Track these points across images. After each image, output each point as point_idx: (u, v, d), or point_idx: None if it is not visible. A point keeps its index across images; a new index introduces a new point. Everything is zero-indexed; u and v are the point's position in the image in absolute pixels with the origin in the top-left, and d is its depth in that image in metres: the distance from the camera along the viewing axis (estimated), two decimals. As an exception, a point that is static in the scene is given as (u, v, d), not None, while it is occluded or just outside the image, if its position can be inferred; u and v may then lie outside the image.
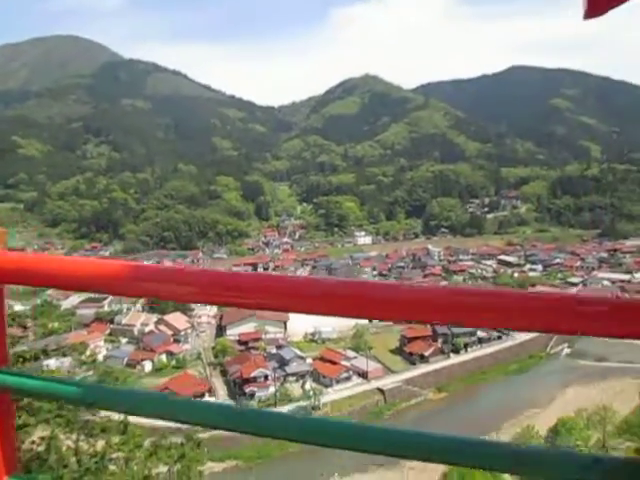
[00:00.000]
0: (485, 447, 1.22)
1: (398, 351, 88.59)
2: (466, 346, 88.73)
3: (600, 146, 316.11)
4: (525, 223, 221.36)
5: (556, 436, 53.96)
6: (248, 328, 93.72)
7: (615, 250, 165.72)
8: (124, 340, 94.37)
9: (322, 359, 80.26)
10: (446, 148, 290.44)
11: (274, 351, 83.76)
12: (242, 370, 73.31)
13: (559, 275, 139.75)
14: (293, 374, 76.22)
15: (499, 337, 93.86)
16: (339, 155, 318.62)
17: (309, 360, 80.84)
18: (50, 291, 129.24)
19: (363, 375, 77.80)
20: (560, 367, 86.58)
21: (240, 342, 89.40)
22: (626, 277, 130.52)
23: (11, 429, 1.80)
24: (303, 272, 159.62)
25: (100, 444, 12.38)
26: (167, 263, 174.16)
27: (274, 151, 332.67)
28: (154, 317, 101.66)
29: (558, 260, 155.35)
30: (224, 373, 78.97)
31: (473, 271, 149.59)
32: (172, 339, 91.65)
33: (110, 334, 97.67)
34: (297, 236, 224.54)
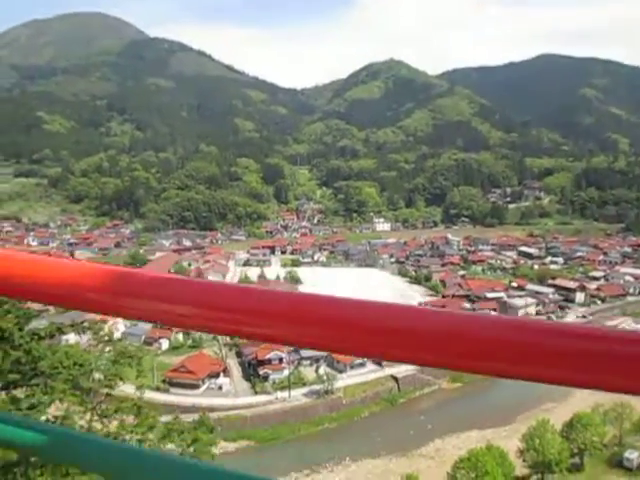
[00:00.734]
0: None
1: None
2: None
3: (629, 139, 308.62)
4: (548, 215, 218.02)
5: (571, 431, 53.37)
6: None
7: (639, 245, 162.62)
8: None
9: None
10: (469, 136, 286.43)
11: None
12: (257, 352, 73.75)
13: (580, 269, 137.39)
14: (307, 358, 76.39)
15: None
16: (360, 140, 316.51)
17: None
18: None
19: (377, 362, 77.78)
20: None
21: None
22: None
23: None
24: (321, 256, 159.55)
25: (114, 424, 12.37)
26: (186, 243, 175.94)
27: (295, 134, 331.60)
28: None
29: (580, 253, 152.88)
30: (239, 354, 79.58)
31: (492, 262, 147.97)
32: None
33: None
34: (315, 220, 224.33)
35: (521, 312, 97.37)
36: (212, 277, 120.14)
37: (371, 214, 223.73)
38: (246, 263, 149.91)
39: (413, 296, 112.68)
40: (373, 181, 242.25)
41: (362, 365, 76.81)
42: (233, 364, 77.27)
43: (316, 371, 73.55)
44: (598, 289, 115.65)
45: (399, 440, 59.79)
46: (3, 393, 11.79)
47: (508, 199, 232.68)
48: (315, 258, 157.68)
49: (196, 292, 1.20)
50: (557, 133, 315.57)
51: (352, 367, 75.65)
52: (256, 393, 68.35)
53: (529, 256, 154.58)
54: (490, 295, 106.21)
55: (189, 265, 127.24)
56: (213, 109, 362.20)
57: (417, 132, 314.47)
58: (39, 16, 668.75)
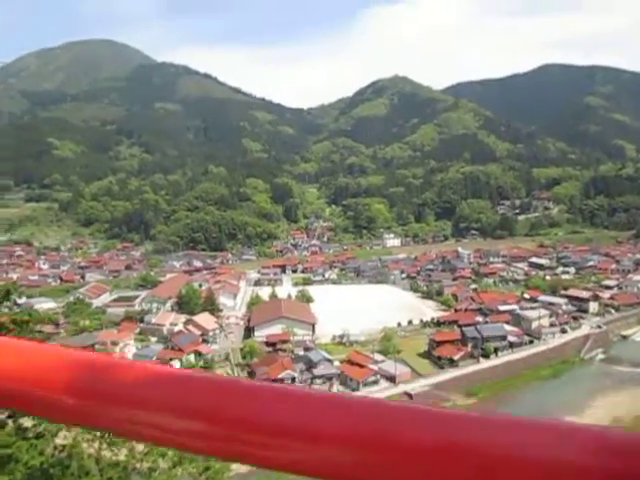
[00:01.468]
0: None
1: (427, 355, 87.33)
2: (496, 350, 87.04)
3: (635, 145, 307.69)
4: (557, 225, 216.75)
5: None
6: (276, 329, 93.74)
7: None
8: (153, 339, 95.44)
9: (350, 362, 79.67)
10: (476, 149, 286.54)
11: (302, 353, 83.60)
12: (269, 372, 73.36)
13: (593, 278, 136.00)
14: (320, 377, 75.91)
15: (531, 342, 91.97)
16: (368, 157, 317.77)
17: (337, 363, 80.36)
18: (82, 289, 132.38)
19: (391, 379, 76.99)
20: (595, 372, 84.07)
21: (268, 344, 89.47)
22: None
23: None
24: (332, 274, 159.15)
25: (123, 452, 12.28)
26: (197, 264, 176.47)
27: (303, 153, 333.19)
28: (183, 317, 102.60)
29: (592, 262, 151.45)
30: (252, 374, 79.05)
31: (504, 274, 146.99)
32: (201, 339, 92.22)
33: (140, 333, 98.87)
34: (325, 238, 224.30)
35: (534, 324, 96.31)
36: (224, 298, 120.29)
37: (381, 230, 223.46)
38: (257, 283, 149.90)
39: (426, 311, 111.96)
40: (382, 197, 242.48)
41: (376, 382, 76.18)
42: (246, 385, 76.85)
43: (329, 389, 72.90)
44: (612, 298, 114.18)
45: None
46: (10, 421, 11.77)
47: (517, 210, 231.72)
48: (326, 276, 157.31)
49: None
50: (563, 142, 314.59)
51: (365, 385, 75.00)
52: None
53: (540, 267, 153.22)
54: (503, 308, 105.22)
55: (200, 286, 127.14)
56: (221, 131, 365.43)
57: (424, 147, 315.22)
58: (48, 44, 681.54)
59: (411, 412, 0.96)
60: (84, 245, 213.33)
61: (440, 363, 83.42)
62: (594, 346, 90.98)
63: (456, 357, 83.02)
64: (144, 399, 0.96)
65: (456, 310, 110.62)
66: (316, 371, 76.50)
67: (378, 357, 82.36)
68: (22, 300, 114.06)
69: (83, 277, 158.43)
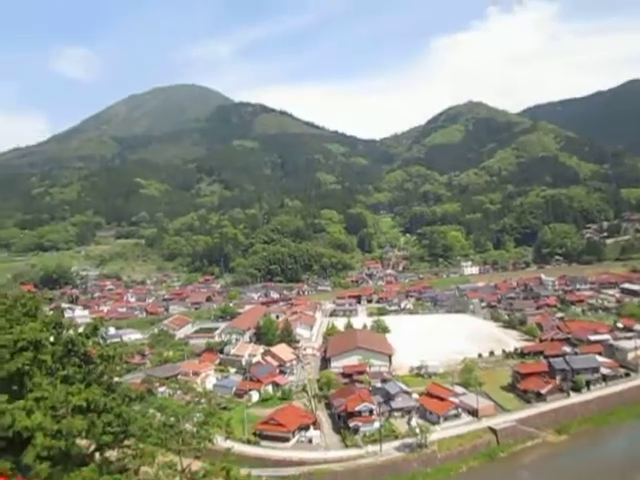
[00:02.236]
0: None
1: (511, 388, 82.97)
2: (588, 384, 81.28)
3: None
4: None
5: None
6: (352, 361, 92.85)
7: None
8: (232, 370, 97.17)
9: (429, 394, 77.14)
10: (557, 171, 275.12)
11: (379, 385, 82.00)
12: (347, 403, 72.38)
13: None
14: (398, 409, 73.96)
15: (627, 374, 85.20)
16: (443, 184, 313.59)
17: (415, 395, 78.05)
18: (166, 320, 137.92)
19: (473, 413, 73.64)
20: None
21: (344, 375, 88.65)
22: None
23: None
24: (408, 304, 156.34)
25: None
26: (274, 295, 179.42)
27: (376, 183, 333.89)
28: (261, 348, 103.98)
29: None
30: (329, 406, 78.44)
31: (593, 301, 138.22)
32: (278, 370, 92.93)
33: (220, 364, 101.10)
34: (401, 267, 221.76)
35: (630, 355, 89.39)
36: (300, 328, 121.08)
37: (458, 258, 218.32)
38: (333, 313, 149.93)
39: (508, 342, 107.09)
40: (458, 224, 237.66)
41: (457, 416, 73.10)
42: (323, 416, 76.12)
43: (408, 423, 70.66)
44: None
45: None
46: (97, 454, 12.31)
47: (605, 234, 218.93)
48: (402, 306, 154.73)
49: None
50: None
51: (446, 418, 72.15)
52: (346, 446, 66.54)
53: (634, 293, 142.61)
54: (593, 338, 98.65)
55: (277, 317, 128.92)
56: (296, 165, 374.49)
57: (501, 172, 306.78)
58: (136, 91, 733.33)
59: None
60: (168, 278, 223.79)
61: (526, 397, 78.98)
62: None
63: (543, 391, 78.26)
64: None
65: (541, 340, 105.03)
66: (394, 404, 74.65)
67: (459, 389, 79.30)
68: (112, 331, 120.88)
69: (167, 309, 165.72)
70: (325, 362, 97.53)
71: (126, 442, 19.39)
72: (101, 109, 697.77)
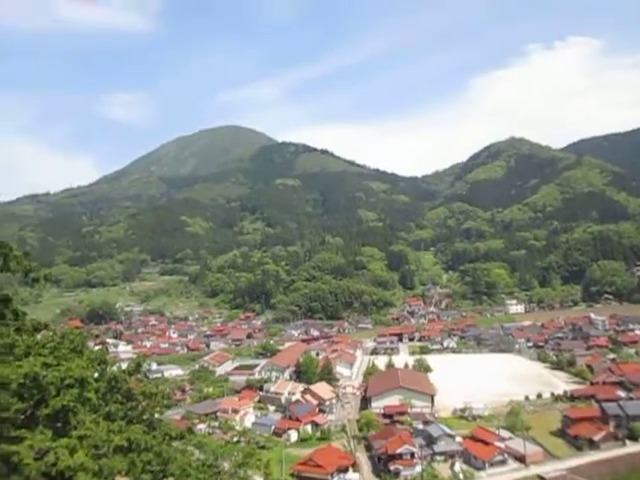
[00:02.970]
0: None
1: (561, 433, 79.22)
2: (645, 432, 76.77)
3: None
4: None
5: None
6: (393, 400, 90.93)
7: None
8: (272, 408, 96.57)
9: (473, 438, 74.47)
10: (605, 207, 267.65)
11: (421, 427, 79.85)
12: (387, 445, 70.56)
13: None
14: (441, 453, 71.53)
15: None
16: (485, 221, 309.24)
17: (459, 439, 75.40)
18: (207, 357, 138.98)
19: (520, 459, 70.44)
20: None
21: (385, 415, 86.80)
22: None
23: None
24: (451, 342, 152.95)
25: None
26: (314, 332, 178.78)
27: (418, 220, 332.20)
28: (300, 386, 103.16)
29: None
30: (369, 447, 76.65)
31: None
32: (317, 409, 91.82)
33: (259, 401, 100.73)
34: (443, 305, 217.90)
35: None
36: (340, 367, 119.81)
37: (502, 296, 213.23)
38: (374, 351, 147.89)
39: (556, 384, 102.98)
40: (502, 261, 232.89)
41: (503, 462, 70.10)
42: (363, 458, 74.36)
43: (451, 468, 68.28)
44: None
45: None
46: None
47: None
48: (445, 344, 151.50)
49: None
50: None
51: (492, 464, 69.24)
52: (387, 490, 64.71)
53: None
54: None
55: (317, 355, 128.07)
56: (337, 202, 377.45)
57: (546, 208, 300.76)
58: (184, 133, 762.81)
59: None
60: (210, 315, 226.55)
61: (577, 443, 75.13)
62: None
63: (596, 438, 74.23)
64: None
65: (592, 383, 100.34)
66: (436, 447, 72.30)
67: (505, 434, 76.23)
68: (154, 367, 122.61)
69: (208, 345, 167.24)
70: (365, 402, 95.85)
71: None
72: (150, 150, 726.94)
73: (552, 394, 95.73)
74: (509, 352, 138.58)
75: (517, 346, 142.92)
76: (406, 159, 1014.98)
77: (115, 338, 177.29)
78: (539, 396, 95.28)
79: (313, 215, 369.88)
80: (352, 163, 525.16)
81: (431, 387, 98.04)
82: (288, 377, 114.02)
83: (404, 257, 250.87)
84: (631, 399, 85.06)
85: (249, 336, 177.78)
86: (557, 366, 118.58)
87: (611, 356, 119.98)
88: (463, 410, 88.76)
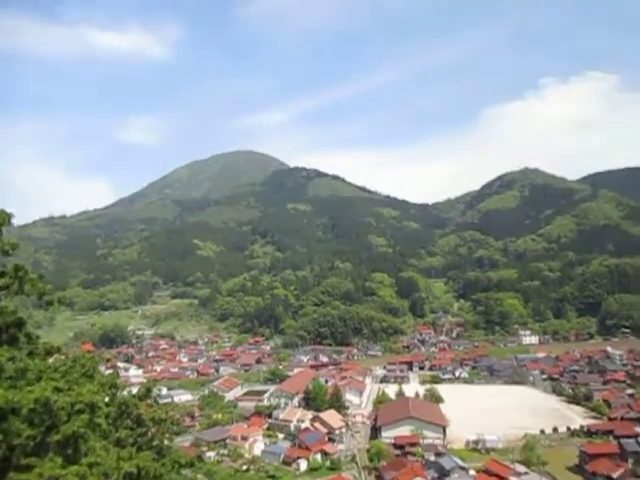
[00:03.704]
0: None
1: (578, 469, 76.81)
2: (666, 471, 74.11)
3: None
4: None
5: None
6: (404, 431, 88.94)
7: None
8: (281, 435, 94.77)
9: (487, 472, 72.23)
10: (621, 240, 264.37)
11: (433, 458, 77.82)
12: (399, 477, 68.71)
13: None
14: (457, 485, 69.49)
15: None
16: (498, 250, 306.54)
17: (472, 472, 73.13)
18: (216, 382, 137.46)
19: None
20: None
21: (396, 446, 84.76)
22: None
23: None
24: (462, 372, 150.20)
25: None
26: (323, 358, 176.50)
27: (428, 247, 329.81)
28: (309, 413, 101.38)
29: None
30: (379, 478, 74.65)
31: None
32: (327, 438, 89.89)
33: (268, 428, 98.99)
34: (454, 334, 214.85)
35: None
36: (349, 394, 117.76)
37: (515, 326, 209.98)
38: (383, 379, 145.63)
39: (573, 418, 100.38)
40: (515, 292, 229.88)
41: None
42: (373, 490, 72.41)
43: (464, 503, 66.16)
44: None
45: None
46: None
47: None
48: (456, 374, 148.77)
49: None
50: None
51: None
52: (398, 526, 62.60)
53: None
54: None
55: (326, 382, 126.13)
56: (347, 228, 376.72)
57: (560, 239, 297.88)
58: (198, 157, 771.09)
59: None
60: (219, 339, 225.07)
61: (595, 480, 72.74)
62: None
63: (615, 475, 71.80)
64: None
65: (610, 418, 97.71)
66: (449, 480, 70.26)
67: (520, 468, 73.91)
68: (164, 391, 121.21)
69: (217, 370, 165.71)
70: (375, 431, 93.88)
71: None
72: (165, 174, 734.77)
73: (568, 428, 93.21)
74: (523, 384, 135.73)
75: (531, 378, 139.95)
76: (417, 186, 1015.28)
77: (126, 362, 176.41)
78: (555, 430, 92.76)
79: (323, 240, 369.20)
80: (363, 189, 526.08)
81: (443, 418, 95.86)
82: (297, 404, 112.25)
83: (414, 284, 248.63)
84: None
85: (258, 361, 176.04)
86: (573, 400, 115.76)
87: (629, 391, 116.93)
88: (476, 442, 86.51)
